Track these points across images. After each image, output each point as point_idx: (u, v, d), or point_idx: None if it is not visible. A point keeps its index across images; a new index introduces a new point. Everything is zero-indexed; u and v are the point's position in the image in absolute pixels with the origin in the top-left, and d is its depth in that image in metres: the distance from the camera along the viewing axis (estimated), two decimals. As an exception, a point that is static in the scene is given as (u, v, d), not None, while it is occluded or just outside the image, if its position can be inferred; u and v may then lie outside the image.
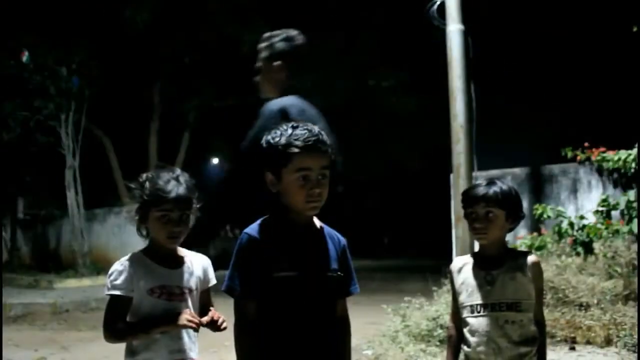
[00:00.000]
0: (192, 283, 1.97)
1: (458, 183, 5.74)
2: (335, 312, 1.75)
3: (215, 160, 26.31)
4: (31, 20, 10.81)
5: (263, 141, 1.68)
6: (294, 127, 1.65)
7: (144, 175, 1.94)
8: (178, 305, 1.89)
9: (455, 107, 5.76)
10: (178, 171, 1.97)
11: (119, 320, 1.86)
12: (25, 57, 10.93)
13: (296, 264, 1.65)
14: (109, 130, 13.62)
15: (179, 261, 1.99)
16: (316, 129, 1.66)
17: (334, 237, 1.79)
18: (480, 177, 7.20)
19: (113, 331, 1.86)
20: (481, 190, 2.03)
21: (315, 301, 1.67)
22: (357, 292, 1.82)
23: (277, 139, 1.63)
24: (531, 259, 2.06)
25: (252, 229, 1.70)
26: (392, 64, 13.42)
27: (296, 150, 1.60)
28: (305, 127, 1.65)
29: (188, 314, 1.84)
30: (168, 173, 1.94)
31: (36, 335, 6.77)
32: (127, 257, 1.95)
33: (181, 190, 1.88)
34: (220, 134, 16.69)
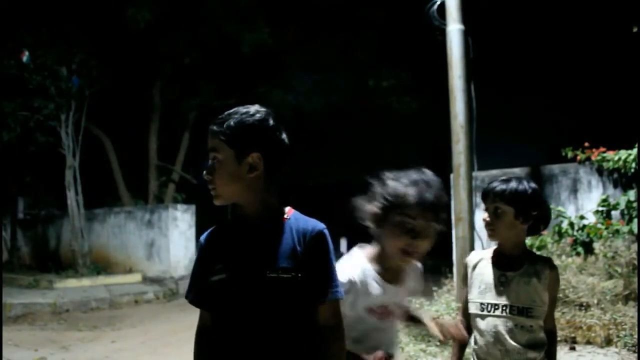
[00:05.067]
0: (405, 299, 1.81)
1: (458, 183, 5.74)
2: (301, 318, 1.45)
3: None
4: (31, 20, 10.81)
5: None
6: None
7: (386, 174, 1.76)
8: (387, 323, 1.74)
9: (455, 107, 5.76)
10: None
11: None
12: (25, 57, 10.92)
13: (228, 265, 1.48)
14: (109, 130, 13.61)
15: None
16: (228, 110, 1.54)
17: (299, 229, 1.48)
18: (480, 177, 7.20)
19: None
20: (492, 186, 2.00)
21: (254, 306, 1.43)
22: (333, 297, 1.47)
23: None
24: (550, 266, 2.04)
25: (205, 232, 1.62)
26: (392, 64, 13.41)
27: None
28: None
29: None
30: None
31: (36, 335, 6.77)
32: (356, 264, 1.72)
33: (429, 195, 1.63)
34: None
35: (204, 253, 1.57)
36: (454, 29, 5.85)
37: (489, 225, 2.00)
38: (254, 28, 12.00)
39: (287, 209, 1.55)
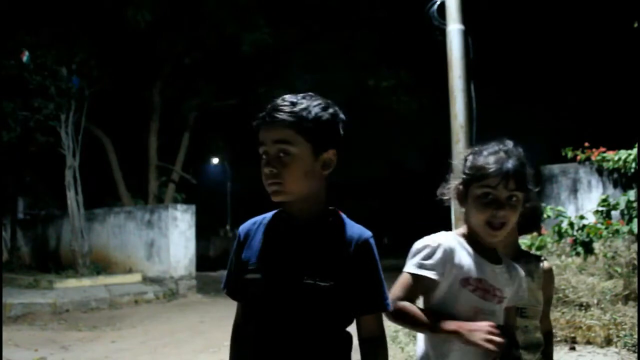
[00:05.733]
0: (507, 290, 1.62)
1: (458, 183, 5.74)
2: (335, 328, 1.41)
3: (215, 160, 26.35)
4: (31, 20, 10.82)
5: None
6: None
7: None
8: (491, 307, 1.57)
9: (455, 107, 5.76)
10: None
11: (409, 299, 1.53)
12: (25, 57, 10.92)
13: (266, 265, 1.42)
14: (109, 130, 13.62)
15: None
16: (288, 98, 1.41)
17: (345, 235, 1.41)
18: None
19: (397, 309, 1.52)
20: None
21: (286, 311, 1.37)
22: (382, 309, 1.42)
23: None
24: (543, 265, 2.00)
25: (245, 223, 1.55)
26: (392, 63, 13.42)
27: (256, 122, 1.42)
28: (281, 98, 1.43)
29: (487, 329, 1.44)
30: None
31: (36, 335, 6.77)
32: (442, 234, 1.62)
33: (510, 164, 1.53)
34: (220, 134, 16.72)
35: (241, 247, 1.50)
36: (454, 29, 5.85)
37: None
38: (254, 28, 12.00)
39: (334, 210, 1.48)
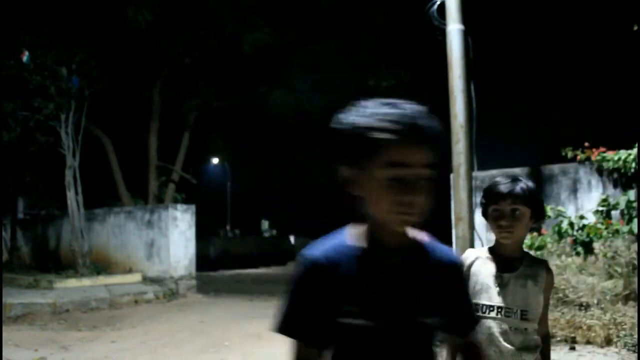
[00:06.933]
0: None
1: (458, 183, 5.74)
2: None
3: (215, 160, 26.36)
4: (31, 20, 10.82)
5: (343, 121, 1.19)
6: (385, 104, 1.17)
7: None
8: None
9: (455, 107, 5.76)
10: None
11: None
12: (25, 57, 10.92)
13: (372, 308, 1.20)
14: (109, 130, 13.63)
15: None
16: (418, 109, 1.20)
17: (442, 263, 1.28)
18: (480, 177, 7.20)
19: None
20: (508, 187, 1.92)
21: (401, 354, 1.23)
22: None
23: (358, 119, 1.16)
24: (546, 269, 1.99)
25: (319, 249, 1.23)
26: (392, 64, 13.42)
27: (387, 136, 1.13)
28: (403, 105, 1.18)
29: None
30: None
31: (36, 335, 6.77)
32: None
33: None
34: (220, 134, 16.72)
35: (325, 283, 1.21)
36: (454, 29, 5.85)
37: (507, 227, 1.91)
38: (254, 28, 12.01)
39: (422, 233, 1.30)
